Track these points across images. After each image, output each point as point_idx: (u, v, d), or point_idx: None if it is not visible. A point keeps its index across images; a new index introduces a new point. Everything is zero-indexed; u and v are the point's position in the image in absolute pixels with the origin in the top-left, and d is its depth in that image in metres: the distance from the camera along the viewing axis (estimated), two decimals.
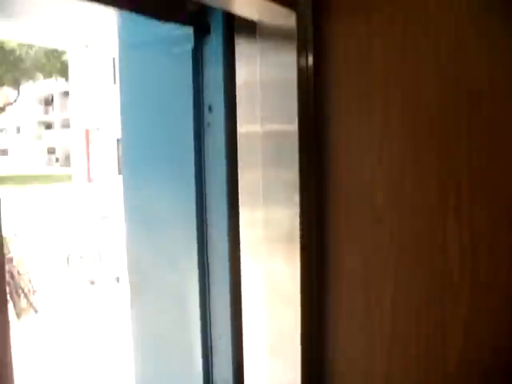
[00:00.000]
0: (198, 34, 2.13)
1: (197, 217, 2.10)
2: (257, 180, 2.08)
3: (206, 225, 2.12)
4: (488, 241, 1.79)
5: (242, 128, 2.10)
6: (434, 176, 1.81)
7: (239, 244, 2.09)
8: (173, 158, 2.22)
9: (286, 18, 1.97)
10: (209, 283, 2.16)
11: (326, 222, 2.01)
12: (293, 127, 1.97)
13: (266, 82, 2.09)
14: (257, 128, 2.08)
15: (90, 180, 33.38)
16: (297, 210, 1.96)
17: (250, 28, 2.09)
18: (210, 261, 2.14)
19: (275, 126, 2.06)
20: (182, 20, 2.08)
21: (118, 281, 11.61)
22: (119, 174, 17.27)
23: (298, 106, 1.97)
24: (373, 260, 1.93)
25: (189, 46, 2.13)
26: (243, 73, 2.14)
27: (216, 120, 2.09)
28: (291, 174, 1.97)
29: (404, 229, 1.88)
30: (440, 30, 1.79)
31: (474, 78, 1.75)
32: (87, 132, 33.60)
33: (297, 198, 1.97)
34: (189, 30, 2.12)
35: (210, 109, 2.11)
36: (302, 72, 2.00)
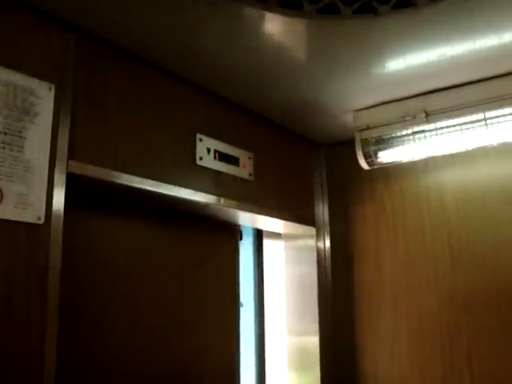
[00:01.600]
0: None
1: None
2: None
3: None
4: None
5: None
6: (439, 371, 2.06)
7: None
8: None
9: (307, 231, 2.38)
10: None
11: None
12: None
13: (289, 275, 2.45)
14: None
15: None
16: None
17: (276, 234, 2.50)
18: None
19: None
20: None
21: None
22: None
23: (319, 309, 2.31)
24: None
25: None
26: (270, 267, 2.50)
27: (246, 315, 2.39)
28: None
29: None
30: (436, 246, 2.16)
31: (466, 290, 2.07)
32: None
33: None
34: None
35: (241, 305, 2.42)
36: (321, 268, 2.37)
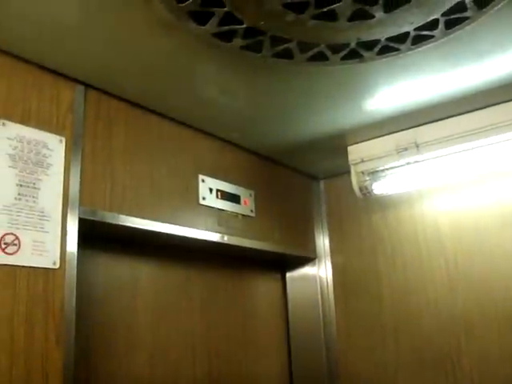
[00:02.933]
0: None
1: None
2: None
3: None
4: None
5: None
6: None
7: None
8: None
9: (308, 262, 2.47)
10: None
11: None
12: None
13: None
14: None
15: None
16: None
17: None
18: None
19: None
20: None
21: None
22: None
23: None
24: None
25: None
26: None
27: None
28: None
29: None
30: (434, 272, 2.23)
31: (465, 313, 2.14)
32: None
33: None
34: None
35: None
36: (324, 299, 2.45)
